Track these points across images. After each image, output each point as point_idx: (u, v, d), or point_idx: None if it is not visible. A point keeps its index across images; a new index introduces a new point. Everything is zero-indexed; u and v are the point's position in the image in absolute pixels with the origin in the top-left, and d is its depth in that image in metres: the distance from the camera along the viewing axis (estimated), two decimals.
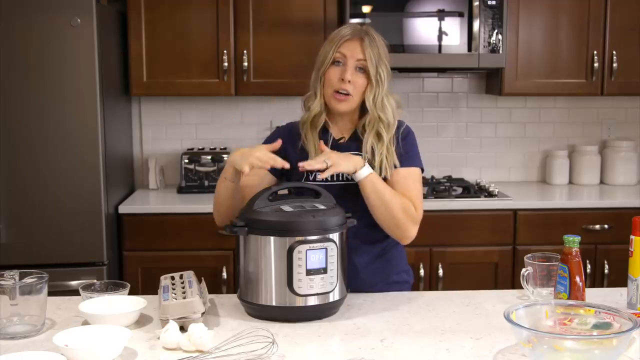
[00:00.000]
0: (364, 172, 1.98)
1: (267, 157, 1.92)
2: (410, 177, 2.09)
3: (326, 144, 2.09)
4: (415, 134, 2.17)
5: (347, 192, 2.06)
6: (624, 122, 4.10)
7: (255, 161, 1.91)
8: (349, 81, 2.03)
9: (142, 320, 1.82)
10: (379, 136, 2.06)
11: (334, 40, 2.06)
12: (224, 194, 2.04)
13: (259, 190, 1.93)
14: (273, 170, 2.10)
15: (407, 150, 2.11)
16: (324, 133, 2.13)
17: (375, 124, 2.06)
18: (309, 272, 1.78)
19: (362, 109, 2.11)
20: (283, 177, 2.15)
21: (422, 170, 2.15)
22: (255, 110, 3.95)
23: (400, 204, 2.02)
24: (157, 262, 3.34)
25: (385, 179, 2.05)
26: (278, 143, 2.01)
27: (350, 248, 1.96)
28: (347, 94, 2.04)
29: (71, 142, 3.15)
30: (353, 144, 2.12)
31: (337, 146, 2.11)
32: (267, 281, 1.81)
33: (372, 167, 2.03)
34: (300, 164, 1.94)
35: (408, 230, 2.05)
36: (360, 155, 2.06)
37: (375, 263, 2.14)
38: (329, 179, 2.06)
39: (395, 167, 2.07)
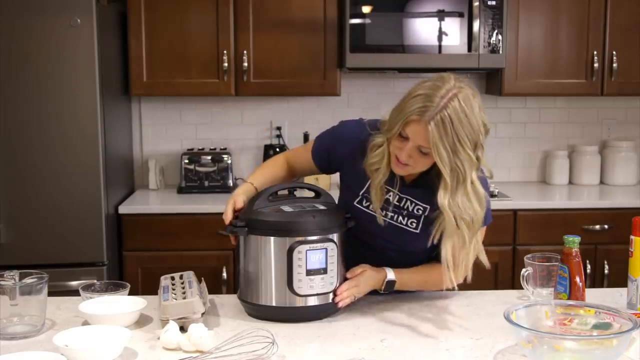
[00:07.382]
0: (387, 285, 1.91)
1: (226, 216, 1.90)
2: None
3: (393, 186, 1.90)
4: None
5: (403, 234, 1.95)
6: (624, 122, 4.09)
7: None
8: (406, 161, 1.80)
9: (142, 321, 1.82)
10: (462, 240, 1.81)
11: (404, 111, 1.74)
12: None
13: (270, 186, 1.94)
14: (322, 166, 2.05)
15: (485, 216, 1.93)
16: (391, 179, 1.90)
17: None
18: (309, 273, 1.78)
19: None
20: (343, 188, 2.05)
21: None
22: (255, 110, 3.95)
23: (432, 281, 1.97)
24: (157, 262, 3.35)
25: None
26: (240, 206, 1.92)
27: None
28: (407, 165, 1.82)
29: (71, 142, 3.14)
30: (418, 191, 1.91)
31: (404, 188, 1.92)
32: (267, 281, 1.81)
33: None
34: (337, 299, 1.83)
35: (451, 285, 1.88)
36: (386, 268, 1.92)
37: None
38: (386, 220, 1.93)
39: None
